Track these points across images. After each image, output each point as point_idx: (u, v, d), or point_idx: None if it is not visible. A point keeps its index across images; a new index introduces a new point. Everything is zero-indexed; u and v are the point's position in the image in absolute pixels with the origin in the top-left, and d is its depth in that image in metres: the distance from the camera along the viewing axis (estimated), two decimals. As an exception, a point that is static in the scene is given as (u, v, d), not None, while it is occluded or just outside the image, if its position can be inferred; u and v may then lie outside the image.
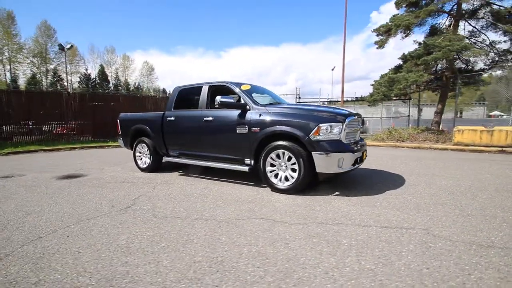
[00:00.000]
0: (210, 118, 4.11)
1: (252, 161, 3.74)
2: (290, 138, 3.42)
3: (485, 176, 4.35)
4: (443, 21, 12.14)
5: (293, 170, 3.39)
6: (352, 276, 1.64)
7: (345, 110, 3.73)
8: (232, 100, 3.74)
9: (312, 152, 3.21)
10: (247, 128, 3.68)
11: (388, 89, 11.12)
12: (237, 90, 4.03)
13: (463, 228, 2.32)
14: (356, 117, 3.67)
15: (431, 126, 11.52)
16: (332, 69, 33.65)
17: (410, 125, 14.16)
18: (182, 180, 4.43)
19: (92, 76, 50.03)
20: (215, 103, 3.73)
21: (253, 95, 4.12)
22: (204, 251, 1.98)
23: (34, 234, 2.36)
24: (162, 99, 15.98)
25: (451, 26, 11.32)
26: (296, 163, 3.31)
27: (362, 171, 4.83)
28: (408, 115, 13.98)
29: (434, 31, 12.14)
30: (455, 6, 11.05)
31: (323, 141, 3.20)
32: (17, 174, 5.22)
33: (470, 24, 11.44)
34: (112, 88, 51.50)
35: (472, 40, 11.36)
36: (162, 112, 4.86)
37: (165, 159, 4.98)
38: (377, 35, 12.18)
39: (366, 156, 3.92)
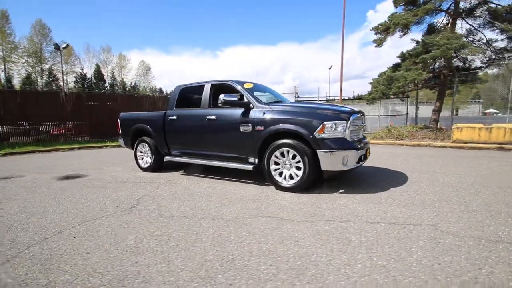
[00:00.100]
0: (213, 117, 4.09)
1: (256, 160, 3.73)
2: (294, 136, 3.41)
3: (486, 172, 4.40)
4: (441, 19, 12.24)
5: (298, 168, 3.39)
6: (365, 273, 1.65)
7: (348, 107, 3.73)
8: (235, 99, 3.72)
9: (317, 150, 3.20)
10: (251, 127, 3.67)
11: (387, 87, 11.17)
12: (240, 88, 4.01)
13: (469, 224, 2.33)
14: (360, 114, 3.68)
15: (429, 124, 11.60)
16: (330, 68, 33.63)
17: (408, 123, 14.24)
18: (185, 179, 4.41)
19: (88, 75, 49.62)
20: (219, 102, 3.71)
21: (255, 93, 4.10)
22: (214, 250, 1.97)
23: (39, 235, 2.33)
24: (159, 98, 15.90)
25: (449, 25, 11.40)
26: (301, 161, 3.31)
27: (365, 169, 4.85)
28: (406, 113, 14.06)
29: (431, 30, 12.22)
30: (453, 5, 11.13)
31: (328, 139, 3.20)
32: (16, 175, 5.15)
33: (467, 23, 11.54)
34: (108, 87, 51.12)
35: (469, 38, 11.45)
36: (164, 111, 4.83)
37: (166, 158, 4.95)
38: (376, 34, 12.23)
39: (369, 153, 3.93)
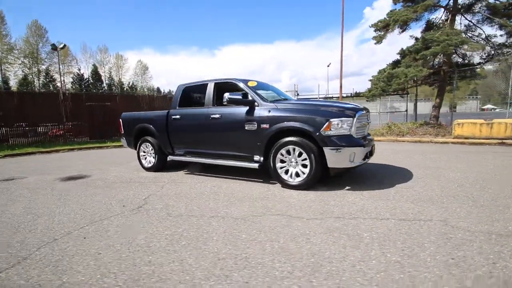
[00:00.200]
0: (217, 116, 4.07)
1: (262, 158, 3.72)
2: (300, 134, 3.40)
3: (490, 168, 4.41)
4: (439, 15, 12.25)
5: (304, 165, 3.39)
6: (380, 269, 1.65)
7: (353, 104, 3.73)
8: (241, 97, 3.70)
9: (324, 147, 3.20)
10: (256, 125, 3.66)
11: (387, 84, 11.18)
12: (244, 86, 3.99)
13: (479, 219, 2.34)
14: (365, 111, 3.68)
15: (429, 120, 11.63)
16: (328, 65, 33.55)
17: (407, 119, 14.27)
18: (189, 178, 4.39)
19: (85, 76, 49.34)
20: (224, 100, 3.69)
21: (259, 91, 4.08)
22: (227, 248, 1.97)
23: (48, 236, 2.31)
24: (159, 98, 15.84)
25: (448, 21, 11.41)
26: (307, 158, 3.31)
27: (369, 165, 4.85)
28: (406, 110, 14.09)
29: (430, 26, 12.24)
30: (451, 1, 11.14)
31: (334, 136, 3.19)
32: (18, 177, 5.12)
33: (466, 19, 11.56)
34: (105, 88, 50.87)
35: (468, 34, 11.48)
36: (167, 111, 4.80)
37: (170, 158, 4.93)
38: (375, 31, 12.21)
39: (374, 150, 3.93)
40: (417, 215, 2.46)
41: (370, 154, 3.58)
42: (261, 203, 2.98)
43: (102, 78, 51.83)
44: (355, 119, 3.28)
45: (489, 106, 50.22)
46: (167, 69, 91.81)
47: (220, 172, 4.65)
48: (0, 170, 5.97)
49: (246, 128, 3.75)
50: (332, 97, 17.59)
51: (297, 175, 3.45)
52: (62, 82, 37.17)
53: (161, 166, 5.06)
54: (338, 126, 3.20)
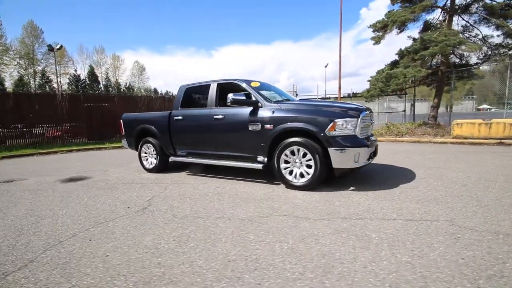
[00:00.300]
0: (220, 116, 4.06)
1: (265, 159, 3.72)
2: (304, 134, 3.40)
3: (491, 167, 4.45)
4: (436, 16, 12.35)
5: (308, 166, 3.38)
6: (391, 269, 1.65)
7: (357, 104, 3.74)
8: (244, 98, 3.70)
9: (328, 148, 3.20)
10: (260, 125, 3.65)
11: (385, 84, 11.25)
12: (247, 87, 3.98)
13: (485, 219, 2.35)
14: (368, 111, 3.68)
15: (427, 120, 11.71)
16: (326, 66, 33.74)
17: (405, 120, 14.36)
18: (192, 179, 4.37)
19: (82, 77, 48.99)
20: (227, 101, 3.68)
21: (262, 92, 4.08)
22: (236, 250, 1.96)
23: (53, 238, 2.28)
24: (157, 98, 15.77)
25: (445, 21, 11.51)
26: (312, 159, 3.31)
27: (371, 166, 4.86)
28: (404, 110, 14.19)
29: (427, 27, 12.33)
30: (449, 1, 11.23)
31: (339, 137, 3.20)
32: (17, 178, 5.06)
33: (463, 19, 11.66)
34: (102, 89, 50.54)
35: (465, 34, 11.58)
36: (169, 112, 4.78)
37: (172, 159, 4.91)
38: (373, 31, 12.29)
39: (378, 150, 3.95)
40: (423, 215, 2.47)
41: (373, 154, 3.59)
42: (267, 204, 2.97)
43: (99, 79, 51.47)
44: (359, 119, 3.29)
45: (485, 106, 50.73)
46: (164, 70, 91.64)
47: (222, 173, 4.64)
48: (-1, 172, 5.90)
49: (249, 128, 3.75)
50: (330, 98, 17.64)
51: (302, 175, 3.45)
52: (59, 83, 36.90)
53: (163, 167, 5.03)
54: (342, 127, 3.21)
